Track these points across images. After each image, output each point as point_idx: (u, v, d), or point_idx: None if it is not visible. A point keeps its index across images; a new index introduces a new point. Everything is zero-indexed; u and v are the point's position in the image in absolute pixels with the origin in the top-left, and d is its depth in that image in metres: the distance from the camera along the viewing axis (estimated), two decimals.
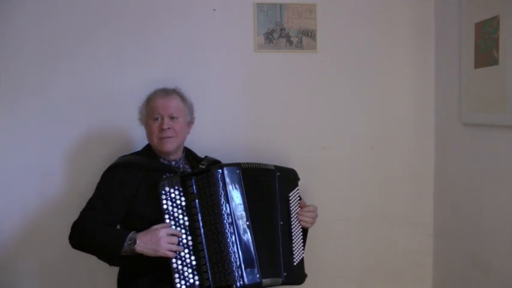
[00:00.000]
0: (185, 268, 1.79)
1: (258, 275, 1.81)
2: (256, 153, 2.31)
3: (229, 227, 1.82)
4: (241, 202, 1.86)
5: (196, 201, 1.84)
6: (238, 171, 1.88)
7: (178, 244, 1.80)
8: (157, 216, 1.83)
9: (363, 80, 2.45)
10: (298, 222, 2.02)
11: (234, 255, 1.80)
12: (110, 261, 1.87)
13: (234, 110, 2.38)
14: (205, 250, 1.81)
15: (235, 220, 1.84)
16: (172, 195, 1.85)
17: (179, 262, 1.79)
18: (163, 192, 1.84)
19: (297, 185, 2.05)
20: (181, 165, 2.05)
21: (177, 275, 1.78)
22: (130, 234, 1.79)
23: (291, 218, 1.99)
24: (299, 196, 2.05)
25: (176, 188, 1.85)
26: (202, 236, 1.82)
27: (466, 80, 2.18)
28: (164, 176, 1.92)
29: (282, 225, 1.95)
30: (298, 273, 1.97)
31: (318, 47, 2.40)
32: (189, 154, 2.14)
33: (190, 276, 1.79)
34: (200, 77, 2.34)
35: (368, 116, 2.47)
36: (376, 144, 2.48)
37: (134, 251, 1.77)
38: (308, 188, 2.21)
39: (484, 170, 2.10)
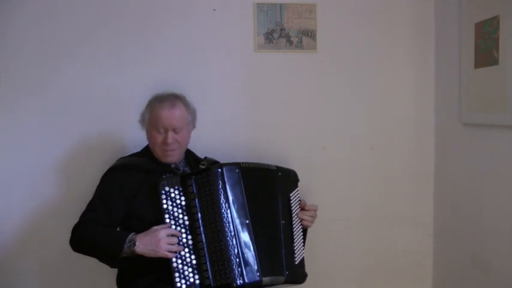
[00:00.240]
0: (185, 267, 1.79)
1: (258, 273, 1.81)
2: (256, 153, 2.31)
3: (229, 225, 1.82)
4: (241, 201, 1.86)
5: (196, 200, 1.84)
6: (237, 171, 1.88)
7: (178, 244, 1.81)
8: (156, 218, 1.83)
9: (363, 80, 2.45)
10: (299, 222, 2.02)
11: (234, 253, 1.80)
12: (111, 264, 1.87)
13: (234, 110, 2.38)
14: (206, 249, 1.81)
15: (235, 219, 1.84)
16: (172, 194, 1.85)
17: (179, 261, 1.79)
18: (163, 192, 1.84)
19: (297, 186, 2.06)
20: (181, 167, 2.05)
21: (177, 275, 1.78)
22: (130, 236, 1.79)
23: (293, 217, 2.00)
24: (299, 196, 2.05)
25: (176, 187, 1.86)
26: (202, 235, 1.82)
27: (466, 80, 2.18)
28: (164, 176, 1.92)
29: (284, 224, 1.95)
30: (299, 272, 1.98)
31: (318, 47, 2.40)
32: (189, 155, 2.14)
33: (191, 275, 1.79)
34: (200, 77, 2.34)
35: (368, 116, 2.47)
36: (376, 144, 2.48)
37: (134, 253, 1.77)
38: (308, 188, 2.21)
39: (484, 170, 2.10)
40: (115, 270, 2.01)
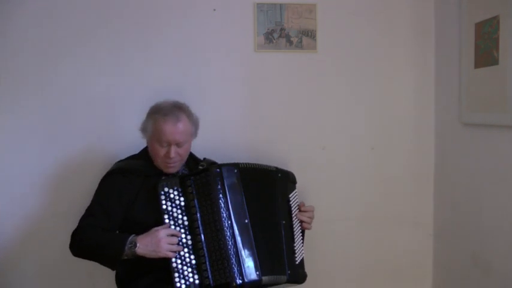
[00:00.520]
0: (185, 267, 1.79)
1: (257, 273, 1.82)
2: (256, 153, 2.31)
3: (228, 225, 1.83)
4: (240, 201, 1.87)
5: (195, 200, 1.85)
6: (236, 171, 1.89)
7: (178, 244, 1.81)
8: (156, 221, 1.83)
9: (363, 80, 2.45)
10: (299, 223, 2.02)
11: (233, 253, 1.80)
12: (112, 266, 1.87)
13: (234, 110, 2.38)
14: (205, 249, 1.81)
15: (234, 218, 1.84)
16: (172, 195, 1.85)
17: (179, 261, 1.79)
18: (163, 192, 1.85)
19: (295, 188, 2.07)
20: (180, 171, 2.05)
21: (176, 275, 1.78)
22: (130, 238, 1.79)
23: (292, 217, 2.00)
24: (297, 198, 2.06)
25: (175, 188, 1.86)
26: (202, 234, 1.82)
27: (466, 80, 2.18)
28: (163, 177, 1.92)
29: (284, 224, 1.95)
30: (300, 272, 1.98)
31: (318, 47, 2.40)
32: (188, 156, 2.13)
33: (190, 275, 1.79)
34: (200, 77, 2.34)
35: (368, 116, 2.47)
36: (376, 144, 2.48)
37: (135, 254, 1.77)
38: (308, 188, 2.21)
39: (484, 170, 2.10)
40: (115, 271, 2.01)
